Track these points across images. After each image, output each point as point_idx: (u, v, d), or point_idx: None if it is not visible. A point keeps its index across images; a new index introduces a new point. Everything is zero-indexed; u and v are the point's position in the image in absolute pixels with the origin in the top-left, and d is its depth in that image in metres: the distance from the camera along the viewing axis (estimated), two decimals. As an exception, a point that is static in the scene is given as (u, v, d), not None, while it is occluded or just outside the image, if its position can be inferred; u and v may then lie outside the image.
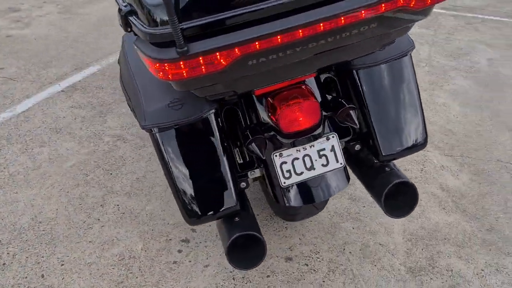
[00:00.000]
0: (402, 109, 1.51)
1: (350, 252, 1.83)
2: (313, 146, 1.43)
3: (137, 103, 1.44)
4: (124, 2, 1.03)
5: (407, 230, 1.94)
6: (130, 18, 0.97)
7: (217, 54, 0.91)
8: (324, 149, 1.44)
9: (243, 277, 1.72)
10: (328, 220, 1.97)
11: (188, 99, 1.38)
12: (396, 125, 1.50)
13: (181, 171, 1.38)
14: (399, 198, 1.47)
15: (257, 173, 1.52)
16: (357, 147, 1.57)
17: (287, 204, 1.46)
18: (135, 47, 0.99)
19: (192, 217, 1.39)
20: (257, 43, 0.92)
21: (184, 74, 0.93)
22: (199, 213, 1.38)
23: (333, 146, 1.45)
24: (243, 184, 1.48)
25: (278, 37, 0.92)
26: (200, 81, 1.01)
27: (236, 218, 1.41)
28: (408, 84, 1.50)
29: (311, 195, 1.46)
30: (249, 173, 1.51)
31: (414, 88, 1.51)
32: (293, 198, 1.45)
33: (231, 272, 1.74)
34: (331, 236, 1.90)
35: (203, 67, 0.93)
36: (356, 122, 1.40)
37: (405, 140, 1.51)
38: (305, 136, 1.38)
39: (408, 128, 1.51)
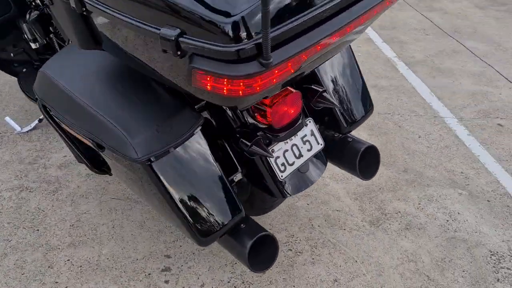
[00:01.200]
0: (352, 84, 1.68)
1: (318, 226, 1.97)
2: (297, 134, 1.50)
3: (113, 138, 1.30)
4: (164, 27, 0.93)
5: (350, 191, 2.17)
6: (185, 40, 0.89)
7: (289, 61, 0.91)
8: (305, 135, 1.53)
9: (243, 282, 1.72)
10: (283, 205, 2.07)
11: (174, 118, 1.31)
12: (350, 99, 1.68)
13: (184, 194, 1.32)
14: (367, 161, 1.65)
15: (239, 176, 1.53)
16: (317, 125, 1.70)
17: (286, 196, 1.52)
18: (195, 69, 0.91)
19: (205, 236, 1.35)
20: (318, 45, 0.95)
21: (258, 88, 0.91)
22: (211, 230, 1.35)
23: (312, 130, 1.55)
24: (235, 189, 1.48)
25: (333, 37, 0.97)
26: (262, 94, 0.99)
27: (242, 225, 1.41)
28: (351, 63, 1.68)
29: (304, 181, 1.55)
30: (234, 178, 1.51)
31: (356, 65, 1.70)
32: (292, 188, 1.51)
33: (228, 282, 1.72)
34: (295, 218, 2.01)
35: (275, 77, 0.92)
36: (334, 101, 1.52)
37: (359, 110, 1.70)
38: (293, 127, 1.45)
39: (358, 100, 1.70)
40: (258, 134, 1.42)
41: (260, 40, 0.84)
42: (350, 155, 1.64)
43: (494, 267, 1.79)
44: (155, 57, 1.04)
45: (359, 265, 1.79)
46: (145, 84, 1.39)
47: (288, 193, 1.51)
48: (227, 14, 0.86)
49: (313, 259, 1.82)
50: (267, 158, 1.45)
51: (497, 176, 2.27)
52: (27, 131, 2.56)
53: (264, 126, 1.43)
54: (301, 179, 1.54)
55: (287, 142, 1.48)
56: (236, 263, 1.78)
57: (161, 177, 1.29)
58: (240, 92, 0.91)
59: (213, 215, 1.36)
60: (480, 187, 2.20)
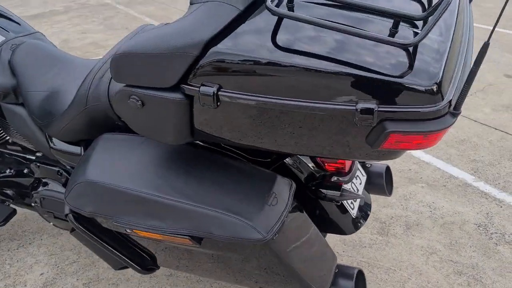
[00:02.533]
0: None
1: (343, 251, 2.10)
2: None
3: (223, 226, 1.24)
4: (359, 102, 0.96)
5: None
6: (382, 109, 0.94)
7: None
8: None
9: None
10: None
11: (272, 187, 1.32)
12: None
13: (302, 261, 1.36)
14: (387, 180, 1.87)
15: None
16: None
17: (358, 229, 1.63)
18: (392, 133, 0.96)
19: None
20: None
21: (438, 138, 1.02)
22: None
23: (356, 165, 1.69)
24: None
25: None
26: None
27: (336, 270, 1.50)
28: None
29: (365, 211, 1.68)
30: None
31: None
32: (361, 220, 1.63)
33: None
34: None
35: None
36: None
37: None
38: (353, 165, 1.58)
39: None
40: (330, 181, 1.51)
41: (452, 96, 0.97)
42: (376, 178, 1.83)
43: (487, 235, 2.17)
44: (319, 132, 1.05)
45: (399, 272, 1.98)
46: (214, 162, 1.36)
47: (359, 226, 1.62)
48: (430, 78, 0.96)
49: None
50: (341, 201, 1.54)
51: (435, 164, 2.72)
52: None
53: (329, 173, 1.53)
54: (362, 210, 1.68)
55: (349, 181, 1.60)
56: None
57: (286, 250, 1.29)
58: (429, 144, 1.01)
59: (325, 274, 1.41)
60: (431, 177, 2.62)
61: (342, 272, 1.47)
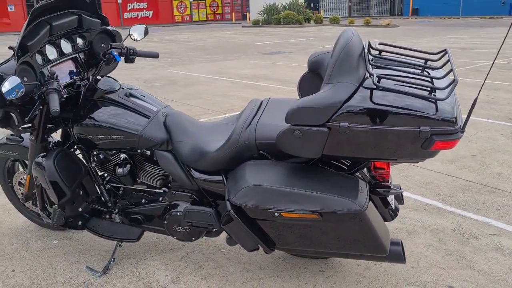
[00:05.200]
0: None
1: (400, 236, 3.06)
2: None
3: (337, 204, 2.22)
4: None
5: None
6: None
7: None
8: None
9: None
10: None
11: (359, 182, 2.35)
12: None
13: (377, 225, 2.34)
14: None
15: None
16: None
17: (393, 219, 2.64)
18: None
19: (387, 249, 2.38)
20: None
21: (454, 145, 2.10)
22: (388, 244, 2.40)
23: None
24: None
25: None
26: None
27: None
28: None
29: (397, 211, 2.70)
30: None
31: None
32: (396, 213, 2.65)
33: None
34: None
35: None
36: None
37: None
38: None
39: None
40: (381, 184, 2.55)
41: None
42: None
43: (460, 234, 3.25)
44: None
45: (413, 256, 2.97)
46: (322, 171, 2.36)
47: (394, 217, 2.64)
48: (452, 114, 2.04)
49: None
50: (385, 196, 2.57)
51: (415, 197, 3.84)
52: (106, 271, 2.81)
53: (379, 180, 2.56)
54: (396, 208, 2.70)
55: (385, 188, 2.64)
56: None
57: (369, 218, 2.27)
58: (451, 147, 2.10)
59: (387, 239, 2.38)
60: (414, 205, 3.72)
61: (392, 240, 2.45)
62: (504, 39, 2.21)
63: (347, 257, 2.49)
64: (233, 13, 43.04)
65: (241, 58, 14.15)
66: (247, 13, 41.47)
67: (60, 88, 2.41)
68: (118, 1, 39.75)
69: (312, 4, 42.43)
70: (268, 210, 2.27)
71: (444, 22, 31.36)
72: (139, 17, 44.36)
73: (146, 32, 2.93)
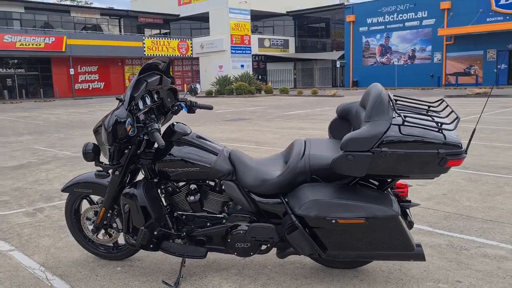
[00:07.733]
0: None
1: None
2: (401, 199, 3.46)
3: (379, 211, 2.98)
4: None
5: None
6: None
7: None
8: (402, 200, 3.50)
9: (401, 284, 3.34)
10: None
11: (390, 195, 3.13)
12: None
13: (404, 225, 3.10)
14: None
15: None
16: None
17: (411, 228, 3.39)
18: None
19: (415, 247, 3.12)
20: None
21: (461, 163, 2.93)
22: (413, 243, 3.15)
23: (402, 199, 3.53)
24: None
25: None
26: None
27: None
28: None
29: (413, 223, 3.46)
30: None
31: None
32: (413, 224, 3.41)
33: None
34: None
35: None
36: None
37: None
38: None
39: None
40: (402, 199, 3.32)
41: None
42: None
43: (453, 247, 4.03)
44: None
45: (426, 250, 3.69)
46: (361, 188, 3.12)
47: (411, 227, 3.38)
48: (459, 141, 2.90)
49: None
50: (406, 208, 3.34)
51: (408, 225, 4.62)
52: (177, 285, 3.31)
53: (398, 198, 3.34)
54: (412, 220, 3.45)
55: (404, 204, 3.41)
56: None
57: (402, 222, 3.02)
58: (459, 164, 2.93)
59: (412, 239, 3.12)
60: (411, 230, 4.49)
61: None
62: (484, 106, 3.15)
63: (380, 259, 3.18)
64: (185, 85, 44.60)
65: (207, 124, 14.98)
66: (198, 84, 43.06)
67: (160, 127, 3.06)
68: (71, 73, 40.24)
69: (260, 76, 44.95)
70: (327, 218, 2.96)
71: (383, 92, 34.19)
72: (90, 88, 44.85)
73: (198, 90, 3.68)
